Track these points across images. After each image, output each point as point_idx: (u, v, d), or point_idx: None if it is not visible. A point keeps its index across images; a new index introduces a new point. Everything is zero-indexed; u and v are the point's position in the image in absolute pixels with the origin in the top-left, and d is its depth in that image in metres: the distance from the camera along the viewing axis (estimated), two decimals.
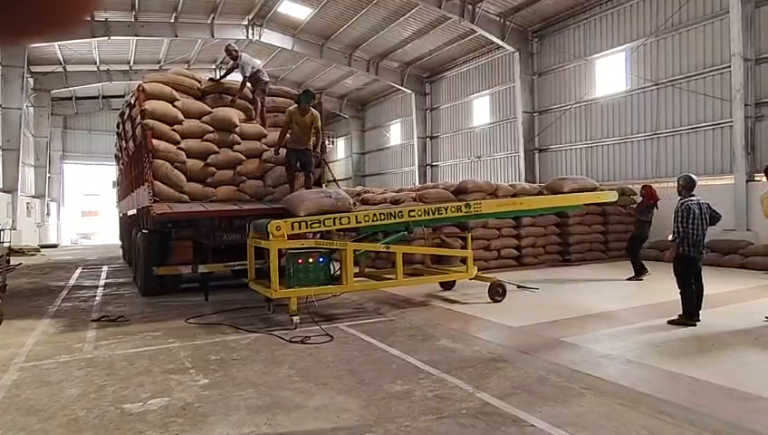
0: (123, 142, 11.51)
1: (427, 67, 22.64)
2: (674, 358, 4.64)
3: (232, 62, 9.50)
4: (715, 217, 6.01)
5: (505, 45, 17.38)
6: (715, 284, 7.61)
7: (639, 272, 9.23)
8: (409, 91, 23.51)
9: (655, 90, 13.75)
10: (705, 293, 6.02)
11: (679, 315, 5.85)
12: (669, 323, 5.83)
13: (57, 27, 0.57)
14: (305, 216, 6.66)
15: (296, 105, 8.47)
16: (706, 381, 4.03)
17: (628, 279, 9.20)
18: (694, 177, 6.13)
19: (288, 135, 8.47)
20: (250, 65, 9.35)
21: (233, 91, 9.28)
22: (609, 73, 15.17)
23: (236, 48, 9.64)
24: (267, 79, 9.52)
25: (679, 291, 5.93)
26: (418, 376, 4.36)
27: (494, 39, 17.25)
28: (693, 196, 5.97)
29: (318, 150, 8.94)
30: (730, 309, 6.71)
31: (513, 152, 18.73)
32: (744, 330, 5.61)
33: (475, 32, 17.51)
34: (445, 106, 22.63)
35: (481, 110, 20.65)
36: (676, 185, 6.15)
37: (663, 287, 7.37)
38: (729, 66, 11.77)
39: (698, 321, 5.80)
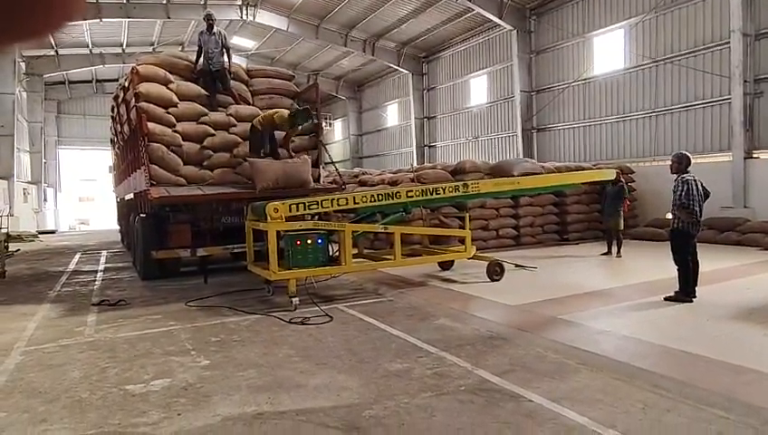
0: (118, 126, 11.43)
1: (424, 47, 22.37)
2: (669, 334, 4.69)
3: (200, 35, 9.03)
4: (706, 195, 6.02)
5: (503, 23, 17.15)
6: (711, 261, 7.66)
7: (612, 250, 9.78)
8: (406, 72, 23.27)
9: (653, 67, 13.63)
10: (701, 270, 6.05)
11: (676, 292, 5.90)
12: (666, 299, 5.88)
13: (46, 30, 0.57)
14: (519, 175, 8.11)
15: None
16: (701, 355, 4.08)
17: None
18: (688, 154, 6.12)
19: None
20: (218, 44, 8.86)
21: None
22: (608, 51, 15.01)
23: (215, 18, 9.24)
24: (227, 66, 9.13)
25: (676, 267, 5.97)
26: (417, 354, 4.40)
27: (492, 17, 17.01)
28: (688, 172, 5.96)
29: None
30: (726, 285, 6.76)
31: (511, 132, 18.63)
32: (738, 306, 5.67)
33: (472, 10, 17.26)
34: (442, 86, 22.43)
35: (478, 89, 20.47)
36: (671, 163, 6.14)
37: (660, 265, 7.41)
38: (728, 42, 11.65)
39: (694, 297, 5.86)
